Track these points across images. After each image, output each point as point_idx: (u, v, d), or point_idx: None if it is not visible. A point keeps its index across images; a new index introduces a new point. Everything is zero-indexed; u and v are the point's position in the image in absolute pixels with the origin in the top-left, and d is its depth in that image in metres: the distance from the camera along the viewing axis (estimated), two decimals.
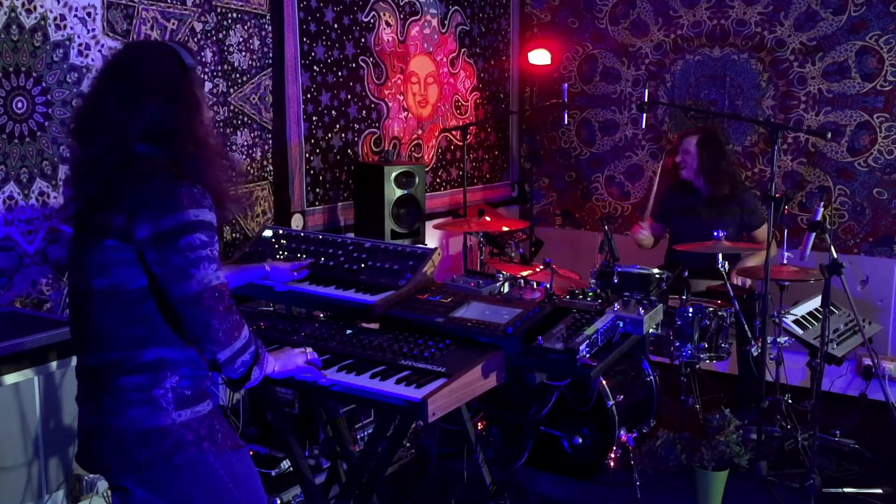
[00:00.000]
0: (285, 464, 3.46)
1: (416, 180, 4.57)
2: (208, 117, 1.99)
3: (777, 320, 3.91)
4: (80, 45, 3.29)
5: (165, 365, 1.87)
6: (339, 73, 4.56)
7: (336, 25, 4.50)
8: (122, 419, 1.85)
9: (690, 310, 3.82)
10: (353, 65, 4.65)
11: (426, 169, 5.14)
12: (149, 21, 3.54)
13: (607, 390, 3.65)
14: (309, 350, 2.19)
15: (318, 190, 4.50)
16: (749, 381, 4.14)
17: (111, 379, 1.86)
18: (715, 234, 3.97)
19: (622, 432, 3.64)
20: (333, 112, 4.55)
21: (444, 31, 5.34)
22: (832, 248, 3.48)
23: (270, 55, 4.14)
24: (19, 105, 3.11)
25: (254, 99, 4.08)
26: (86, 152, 1.91)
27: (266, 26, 4.10)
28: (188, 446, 1.87)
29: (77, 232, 1.95)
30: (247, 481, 1.99)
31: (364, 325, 2.56)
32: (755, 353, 3.78)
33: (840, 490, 3.61)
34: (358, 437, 3.65)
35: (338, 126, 4.60)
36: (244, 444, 2.02)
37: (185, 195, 1.82)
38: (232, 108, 3.96)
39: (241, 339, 1.88)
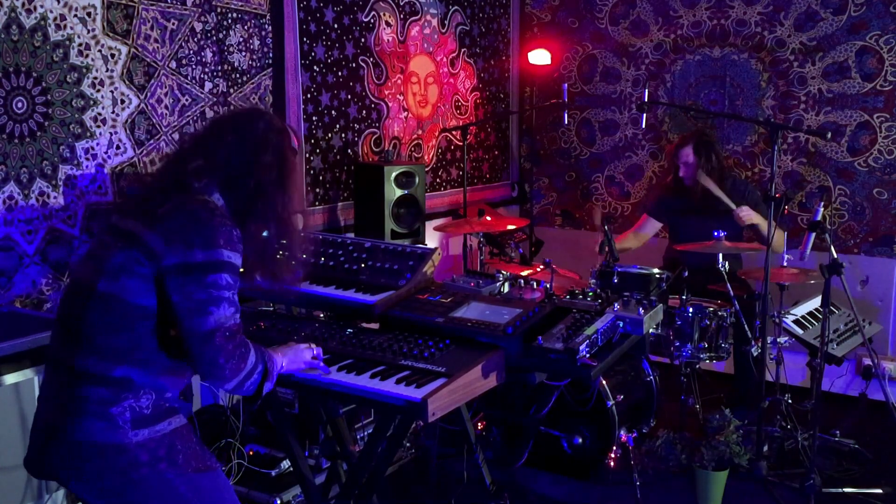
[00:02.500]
0: (285, 464, 3.46)
1: (416, 180, 4.57)
2: (299, 198, 2.11)
3: (777, 320, 3.91)
4: (80, 45, 3.29)
5: (130, 386, 1.86)
6: (339, 73, 4.56)
7: (336, 25, 4.50)
8: (79, 426, 1.83)
9: (690, 310, 3.82)
10: (353, 65, 4.65)
11: (426, 169, 5.14)
12: (149, 21, 3.54)
13: (607, 390, 3.65)
14: (314, 345, 2.22)
15: (318, 190, 4.50)
16: (745, 380, 4.14)
17: (78, 384, 1.85)
18: (715, 234, 3.97)
19: (622, 432, 3.64)
20: (333, 112, 4.56)
21: (444, 31, 5.34)
22: (832, 248, 3.48)
23: (270, 55, 4.14)
24: (19, 105, 3.11)
25: (254, 99, 4.08)
26: (167, 172, 2.02)
27: (266, 26, 4.10)
28: (142, 467, 1.84)
29: (106, 232, 1.96)
30: (214, 495, 1.95)
31: (364, 325, 2.56)
32: (755, 353, 3.78)
33: (840, 490, 3.62)
34: (358, 437, 3.65)
35: (338, 126, 4.60)
36: (215, 467, 1.97)
37: (223, 234, 1.87)
38: (232, 108, 3.96)
39: (247, 369, 1.89)
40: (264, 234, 2.02)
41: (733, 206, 4.23)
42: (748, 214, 4.21)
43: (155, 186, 2.00)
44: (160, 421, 1.89)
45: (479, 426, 3.95)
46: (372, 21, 4.75)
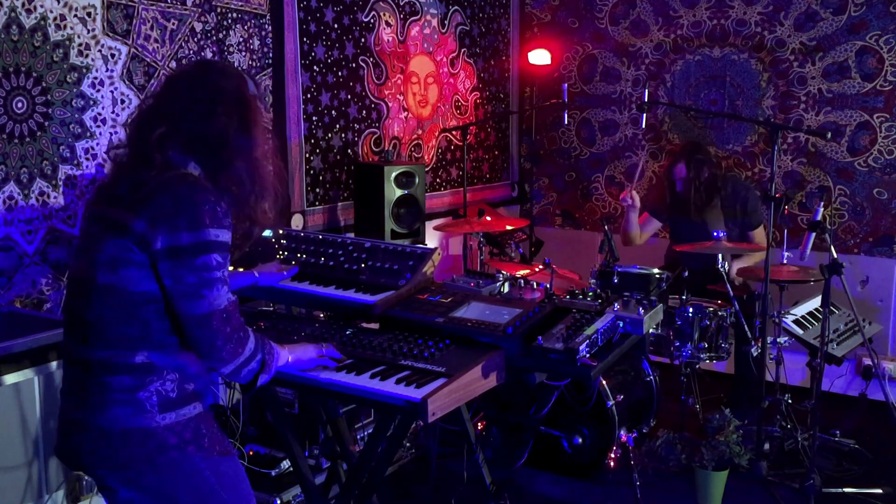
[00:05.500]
0: (285, 464, 3.46)
1: (416, 180, 4.57)
2: (265, 142, 2.03)
3: (777, 320, 3.91)
4: (80, 45, 3.29)
5: (153, 369, 1.86)
6: (339, 73, 4.56)
7: (336, 25, 4.50)
8: (105, 416, 1.85)
9: (690, 310, 3.82)
10: (353, 65, 4.65)
11: (426, 169, 5.14)
12: (149, 21, 3.54)
13: (607, 390, 3.65)
14: (325, 344, 2.23)
15: (318, 190, 4.50)
16: (745, 380, 4.14)
17: (98, 375, 1.86)
18: (715, 234, 3.97)
19: (622, 432, 3.64)
20: (333, 112, 4.55)
21: (444, 31, 5.34)
22: (832, 248, 3.48)
23: (270, 55, 4.14)
24: (19, 105, 3.11)
25: None
26: (134, 146, 1.95)
27: (266, 26, 4.10)
28: (171, 450, 1.86)
29: (93, 222, 1.95)
30: (234, 482, 1.98)
31: (364, 325, 2.56)
32: (755, 354, 3.78)
33: (840, 490, 3.62)
34: (358, 437, 3.65)
35: (338, 126, 4.60)
36: (233, 451, 2.00)
37: (208, 213, 1.83)
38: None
39: (246, 353, 1.90)
40: (241, 188, 1.97)
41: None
42: (733, 270, 4.21)
43: (127, 164, 1.95)
44: (186, 405, 1.90)
45: (479, 426, 3.95)
46: (372, 21, 4.75)
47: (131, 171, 1.92)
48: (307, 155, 4.42)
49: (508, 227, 4.62)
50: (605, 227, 3.89)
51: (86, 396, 1.88)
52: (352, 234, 4.54)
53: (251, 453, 3.54)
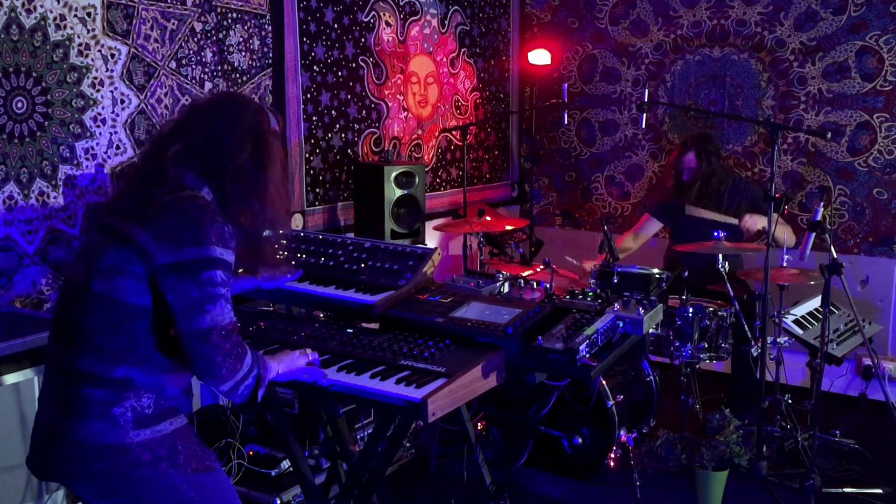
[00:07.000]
0: (285, 464, 3.46)
1: (416, 180, 4.57)
2: (281, 180, 2.05)
3: (777, 320, 3.91)
4: (80, 45, 3.29)
5: (131, 385, 1.86)
6: (339, 73, 4.56)
7: (336, 25, 4.50)
8: (82, 429, 1.84)
9: (690, 310, 3.83)
10: (353, 65, 4.65)
11: (426, 169, 5.14)
12: (149, 21, 3.54)
13: (607, 390, 3.65)
14: (309, 351, 2.19)
15: (318, 190, 4.50)
16: (744, 380, 4.14)
17: (78, 386, 1.85)
18: (715, 234, 3.96)
19: (622, 432, 3.64)
20: (333, 112, 4.55)
21: (444, 31, 5.34)
22: (832, 248, 3.48)
23: (270, 55, 4.14)
24: (19, 105, 3.11)
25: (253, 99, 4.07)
26: (149, 162, 1.97)
27: (266, 26, 4.10)
28: (144, 466, 1.85)
29: (96, 229, 1.95)
30: (217, 491, 1.96)
31: (364, 325, 2.56)
32: (755, 354, 3.78)
33: (840, 490, 3.62)
34: (358, 437, 3.65)
35: (338, 126, 4.60)
36: (215, 466, 1.98)
37: (214, 231, 1.85)
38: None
39: (243, 370, 1.89)
40: (252, 222, 1.99)
41: (734, 220, 4.24)
42: (754, 222, 4.22)
43: (139, 180, 1.97)
44: (161, 421, 1.89)
45: (479, 426, 3.95)
46: (372, 21, 4.75)
47: (143, 187, 1.93)
48: (307, 155, 4.42)
49: (508, 227, 4.62)
50: (605, 227, 3.89)
51: (64, 404, 1.87)
52: (352, 234, 4.54)
53: (251, 453, 3.54)
